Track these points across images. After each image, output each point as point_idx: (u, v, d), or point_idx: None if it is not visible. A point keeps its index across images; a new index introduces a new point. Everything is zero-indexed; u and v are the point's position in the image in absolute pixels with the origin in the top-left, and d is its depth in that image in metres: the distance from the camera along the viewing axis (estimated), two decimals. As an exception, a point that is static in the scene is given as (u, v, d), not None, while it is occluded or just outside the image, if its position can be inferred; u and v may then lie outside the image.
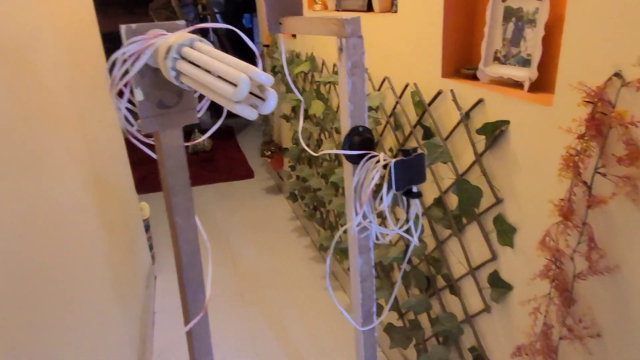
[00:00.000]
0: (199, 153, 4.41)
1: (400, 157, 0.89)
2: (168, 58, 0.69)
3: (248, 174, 3.93)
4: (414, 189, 0.95)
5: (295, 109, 2.64)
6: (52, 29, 1.34)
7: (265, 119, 3.43)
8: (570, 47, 0.80)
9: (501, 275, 1.11)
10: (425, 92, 1.29)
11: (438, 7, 1.17)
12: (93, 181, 1.52)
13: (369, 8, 1.65)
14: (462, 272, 1.26)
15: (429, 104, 1.26)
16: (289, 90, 2.59)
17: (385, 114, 1.53)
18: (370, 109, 1.54)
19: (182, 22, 0.82)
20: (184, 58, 0.69)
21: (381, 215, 1.53)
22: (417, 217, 0.98)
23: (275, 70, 2.73)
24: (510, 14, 1.03)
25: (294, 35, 2.59)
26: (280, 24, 1.15)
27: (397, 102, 1.44)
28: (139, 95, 0.81)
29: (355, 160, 1.01)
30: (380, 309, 1.79)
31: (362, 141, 0.99)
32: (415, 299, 1.42)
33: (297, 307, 2.19)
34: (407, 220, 0.99)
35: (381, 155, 0.95)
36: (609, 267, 0.79)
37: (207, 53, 0.66)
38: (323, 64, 2.07)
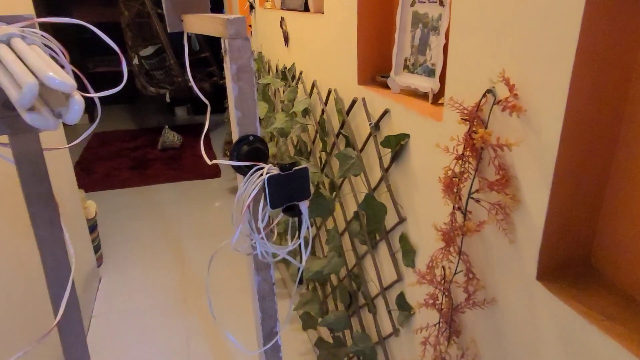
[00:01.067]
0: (167, 150, 4.32)
1: (276, 172, 0.82)
2: (-21, 56, 0.61)
3: (215, 173, 3.84)
4: (303, 206, 0.88)
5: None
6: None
7: (228, 118, 3.35)
8: (454, 59, 0.73)
9: (406, 297, 1.04)
10: (346, 98, 1.22)
11: (353, 9, 1.09)
12: (5, 181, 1.43)
13: (307, 8, 1.57)
14: (377, 291, 1.19)
15: (348, 112, 1.19)
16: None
17: (315, 120, 1.46)
18: (296, 114, 1.46)
19: (29, 15, 0.74)
20: (-1, 56, 0.61)
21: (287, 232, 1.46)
22: (306, 236, 0.91)
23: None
24: (417, 19, 0.96)
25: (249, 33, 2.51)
26: (182, 20, 1.08)
27: (323, 109, 1.36)
28: (-23, 95, 0.73)
29: (245, 171, 0.93)
30: (314, 322, 1.72)
31: (250, 151, 0.92)
32: (334, 315, 1.35)
33: (239, 316, 2.11)
34: (298, 238, 0.92)
35: (266, 168, 0.88)
36: (486, 299, 0.73)
37: (20, 52, 0.59)
38: (268, 64, 2.00)
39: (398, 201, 1.00)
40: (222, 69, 3.86)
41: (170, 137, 4.25)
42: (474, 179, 0.68)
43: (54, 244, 0.87)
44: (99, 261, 2.53)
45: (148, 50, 4.55)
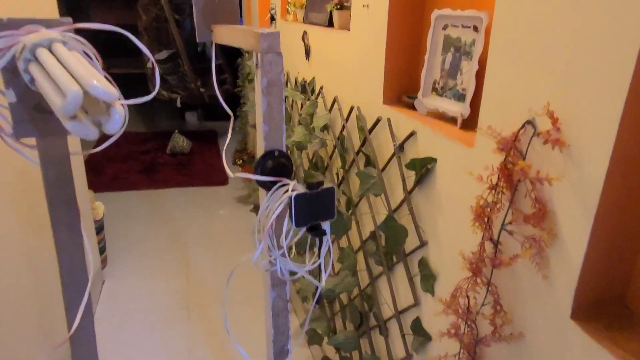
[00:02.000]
0: (176, 155, 4.32)
1: (303, 190, 0.81)
2: (20, 59, 0.61)
3: (222, 180, 3.83)
4: (326, 225, 0.87)
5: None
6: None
7: (240, 126, 3.36)
8: (491, 87, 0.73)
9: (423, 323, 1.02)
10: (369, 117, 1.22)
11: (382, 28, 1.09)
12: (17, 179, 1.43)
13: (331, 23, 1.58)
14: (391, 314, 1.17)
15: (370, 131, 1.18)
16: (260, 100, 2.52)
17: (334, 135, 1.46)
18: (315, 128, 1.46)
19: (67, 19, 0.74)
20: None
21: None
22: (327, 256, 0.90)
23: (249, 78, 2.66)
24: (449, 43, 0.95)
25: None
26: (212, 31, 1.08)
27: (343, 125, 1.36)
28: (10, 97, 0.72)
29: (268, 186, 0.92)
30: (319, 339, 1.70)
31: (275, 166, 0.91)
32: (344, 335, 1.33)
33: (243, 327, 2.09)
34: (318, 257, 0.91)
35: (291, 185, 0.87)
36: (513, 334, 0.71)
37: (60, 57, 0.58)
38: (287, 76, 2.00)
39: (420, 225, 0.99)
40: (235, 77, 3.88)
41: (180, 142, 4.26)
42: (508, 210, 0.67)
43: (72, 249, 0.86)
44: (103, 263, 2.51)
45: (162, 55, 4.57)
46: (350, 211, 1.35)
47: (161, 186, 3.68)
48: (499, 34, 0.70)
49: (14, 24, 0.70)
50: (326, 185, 0.83)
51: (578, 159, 0.57)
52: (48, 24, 0.72)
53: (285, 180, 0.89)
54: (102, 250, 2.49)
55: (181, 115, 5.68)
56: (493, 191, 0.69)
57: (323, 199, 0.82)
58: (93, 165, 4.05)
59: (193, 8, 1.05)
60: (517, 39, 0.66)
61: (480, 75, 0.87)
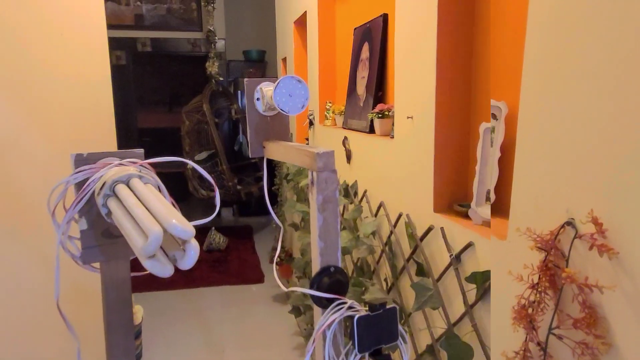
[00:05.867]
0: (213, 252, 4.34)
1: (366, 312, 0.78)
2: (100, 194, 0.64)
3: (258, 278, 3.79)
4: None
5: (304, 219, 2.57)
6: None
7: (277, 225, 3.38)
8: (522, 180, 0.71)
9: None
10: (418, 224, 1.20)
11: (429, 139, 1.12)
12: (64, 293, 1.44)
13: (372, 129, 1.63)
14: None
15: (421, 239, 1.16)
16: (299, 199, 2.56)
17: (381, 240, 1.44)
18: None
19: (139, 151, 0.79)
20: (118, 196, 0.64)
21: None
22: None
23: (287, 179, 2.74)
24: (501, 154, 0.96)
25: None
26: (264, 147, 1.13)
27: (391, 232, 1.34)
28: (82, 225, 0.75)
29: (324, 304, 0.89)
30: None
31: (332, 283, 0.89)
32: None
33: None
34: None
35: (348, 304, 0.84)
36: None
37: (139, 194, 0.61)
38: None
39: (486, 343, 0.92)
40: (272, 175, 4.01)
41: (217, 238, 4.31)
42: (554, 314, 0.62)
43: (125, 375, 0.83)
44: (139, 370, 2.43)
45: (202, 155, 4.81)
46: (403, 321, 1.29)
47: (198, 285, 3.66)
48: (527, 130, 0.69)
49: (92, 158, 0.75)
50: (391, 306, 0.80)
51: (629, 268, 0.53)
52: (122, 155, 0.77)
53: (343, 299, 0.87)
54: (138, 357, 2.42)
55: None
56: (533, 290, 0.65)
57: (386, 320, 0.79)
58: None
59: (247, 126, 1.11)
60: (548, 135, 0.65)
61: (501, 162, 0.87)
